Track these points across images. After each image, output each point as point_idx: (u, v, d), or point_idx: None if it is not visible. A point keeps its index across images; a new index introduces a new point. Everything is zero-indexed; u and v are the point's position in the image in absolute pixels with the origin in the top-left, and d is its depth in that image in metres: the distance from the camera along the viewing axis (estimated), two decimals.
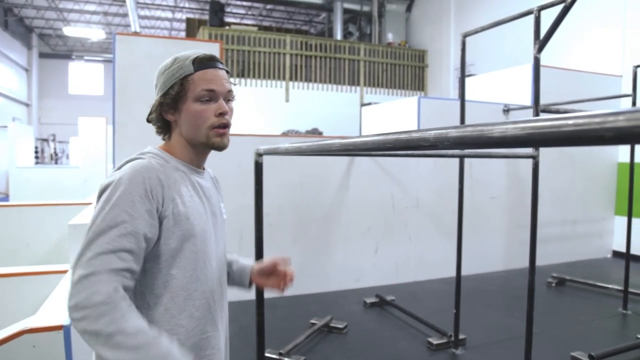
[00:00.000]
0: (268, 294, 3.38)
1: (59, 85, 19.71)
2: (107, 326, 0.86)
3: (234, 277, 1.38)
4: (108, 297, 0.88)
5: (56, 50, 19.42)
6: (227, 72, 1.19)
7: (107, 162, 7.56)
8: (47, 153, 15.50)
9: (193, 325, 1.11)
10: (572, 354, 3.02)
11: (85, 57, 19.68)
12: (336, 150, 1.14)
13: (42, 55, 18.97)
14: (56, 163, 14.79)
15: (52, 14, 15.82)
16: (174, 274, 1.08)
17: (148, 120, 1.22)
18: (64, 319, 1.81)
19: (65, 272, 2.60)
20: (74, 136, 9.87)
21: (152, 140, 4.26)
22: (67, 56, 19.59)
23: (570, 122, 0.52)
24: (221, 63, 1.18)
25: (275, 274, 1.36)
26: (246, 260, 1.42)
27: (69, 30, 15.10)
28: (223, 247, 1.27)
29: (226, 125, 1.16)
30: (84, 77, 20.17)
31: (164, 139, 1.22)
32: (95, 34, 15.41)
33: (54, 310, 1.92)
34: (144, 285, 1.07)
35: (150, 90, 4.26)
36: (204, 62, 1.14)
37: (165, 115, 1.17)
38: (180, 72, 1.12)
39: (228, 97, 1.17)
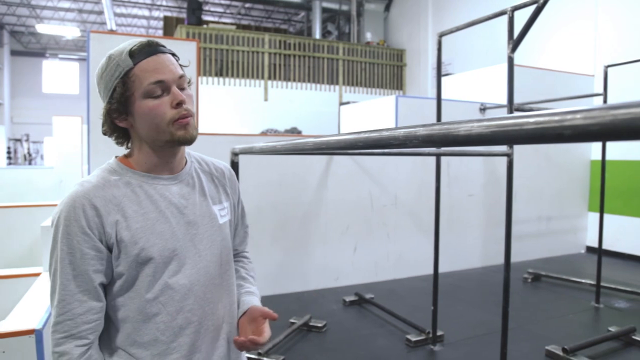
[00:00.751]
0: None
1: (33, 83, 19.26)
2: None
3: None
4: None
5: (29, 48, 18.97)
6: (174, 55, 1.05)
7: (83, 162, 7.42)
8: (20, 153, 15.14)
9: (160, 349, 1.01)
10: (546, 347, 3.08)
11: (60, 55, 19.26)
12: (309, 149, 1.14)
13: (14, 53, 18.51)
14: (30, 163, 14.46)
15: (24, 10, 15.45)
16: (128, 298, 1.01)
17: (103, 133, 1.06)
18: (35, 322, 1.77)
19: (38, 274, 2.54)
20: (48, 136, 9.66)
21: None
22: (40, 54, 19.16)
23: (531, 120, 0.53)
24: (163, 46, 1.02)
25: (255, 324, 1.15)
26: (251, 298, 1.22)
27: (42, 28, 14.76)
28: (213, 257, 1.10)
29: (187, 115, 1.01)
30: (58, 75, 19.75)
31: (127, 149, 1.09)
32: (70, 31, 15.10)
33: (26, 314, 1.88)
34: (109, 311, 1.03)
35: None
36: (142, 51, 0.98)
37: (118, 122, 1.03)
38: (119, 70, 0.98)
39: (181, 83, 1.02)
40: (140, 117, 1.00)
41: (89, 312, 0.97)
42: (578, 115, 0.48)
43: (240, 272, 1.28)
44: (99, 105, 3.66)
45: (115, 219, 0.97)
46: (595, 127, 0.46)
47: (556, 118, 0.50)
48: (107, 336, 1.04)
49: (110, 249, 0.98)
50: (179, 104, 0.99)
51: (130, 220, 0.99)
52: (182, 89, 1.02)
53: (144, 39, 1.01)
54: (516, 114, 0.56)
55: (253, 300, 1.19)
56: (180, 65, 1.05)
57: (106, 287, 1.02)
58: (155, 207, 1.02)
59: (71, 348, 0.95)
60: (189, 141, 1.02)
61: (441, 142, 0.66)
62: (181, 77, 1.02)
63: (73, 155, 7.65)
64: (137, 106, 0.99)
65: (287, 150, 1.31)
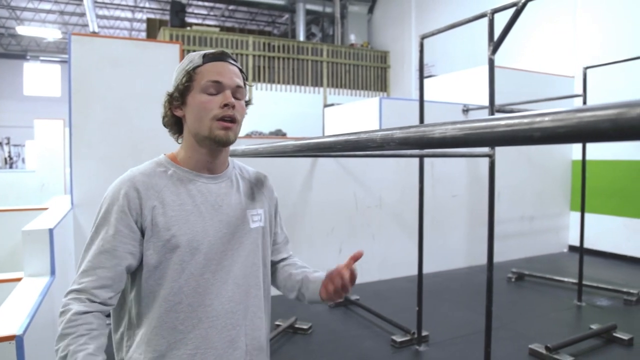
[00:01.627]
0: None
1: (13, 86, 18.94)
2: (61, 349, 0.98)
3: (306, 295, 1.26)
4: (70, 319, 0.98)
5: (9, 50, 18.65)
6: (241, 70, 1.16)
7: (65, 165, 7.32)
8: (1, 157, 14.88)
9: (177, 338, 1.06)
10: (530, 346, 3.12)
11: (41, 58, 18.97)
12: (291, 152, 1.15)
13: None
14: (11, 167, 14.22)
15: (4, 12, 15.20)
16: (153, 284, 1.07)
17: (164, 124, 1.20)
18: (16, 328, 1.74)
19: (19, 279, 2.50)
20: (29, 139, 9.51)
21: (112, 142, 4.16)
22: (21, 56, 18.84)
23: (502, 122, 0.54)
24: (234, 59, 1.16)
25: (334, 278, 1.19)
26: (318, 274, 1.28)
27: (22, 30, 14.54)
28: (239, 258, 1.14)
29: (232, 119, 1.09)
30: (40, 78, 19.46)
31: (178, 142, 1.21)
32: (51, 33, 14.89)
33: (6, 319, 1.85)
34: (133, 296, 1.10)
35: (109, 91, 4.16)
36: (214, 56, 1.12)
37: (174, 110, 1.15)
38: (190, 65, 1.12)
39: (237, 93, 1.12)
40: (191, 108, 1.10)
41: (105, 288, 1.03)
42: (546, 118, 0.49)
43: (297, 263, 1.35)
44: (81, 108, 3.62)
45: (153, 204, 1.06)
46: (563, 130, 0.48)
47: (526, 121, 0.51)
48: (129, 321, 1.11)
49: (143, 233, 1.06)
50: (227, 105, 1.08)
51: (167, 208, 1.07)
52: (236, 98, 1.11)
53: (220, 49, 1.15)
54: (488, 116, 0.57)
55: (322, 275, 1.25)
56: (245, 81, 1.16)
57: (136, 273, 1.09)
58: (192, 201, 1.09)
59: (73, 304, 1.00)
60: (224, 143, 1.10)
61: (417, 144, 0.67)
62: (238, 87, 1.12)
63: (55, 158, 7.55)
64: (192, 97, 1.10)
65: (269, 152, 1.32)
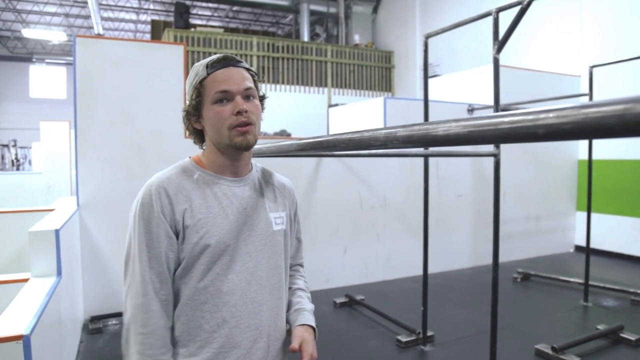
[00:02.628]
0: None
1: (20, 88, 19.06)
2: None
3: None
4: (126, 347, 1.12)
5: (15, 53, 18.77)
6: (248, 69, 1.16)
7: (71, 167, 7.35)
8: (7, 159, 14.95)
9: (203, 337, 1.10)
10: (536, 346, 3.10)
11: (47, 60, 19.08)
12: (295, 151, 1.15)
13: (0, 58, 18.32)
14: (18, 169, 14.29)
15: (9, 15, 15.29)
16: (182, 284, 1.11)
17: (187, 135, 1.22)
18: (23, 328, 1.75)
19: (26, 280, 2.52)
20: (36, 141, 9.57)
21: (117, 143, 4.19)
22: (27, 59, 18.96)
23: (506, 119, 0.54)
24: (238, 61, 1.15)
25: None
26: (305, 308, 1.29)
27: (28, 32, 14.62)
28: (263, 259, 1.16)
29: (247, 123, 1.10)
30: (45, 80, 19.56)
31: (202, 149, 1.23)
32: (56, 36, 14.96)
33: (14, 319, 1.86)
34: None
35: (114, 93, 4.18)
36: (217, 64, 1.12)
37: (194, 124, 1.17)
38: (197, 78, 1.13)
39: (247, 94, 1.12)
40: (208, 121, 1.12)
41: (156, 293, 1.08)
42: (551, 115, 0.49)
43: (298, 283, 1.35)
44: (87, 110, 3.64)
45: (184, 207, 1.09)
46: (568, 126, 0.47)
47: (530, 117, 0.51)
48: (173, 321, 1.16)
49: (177, 235, 1.09)
50: (239, 113, 1.08)
51: (195, 211, 1.09)
52: (248, 99, 1.12)
53: (221, 54, 1.14)
54: (492, 114, 0.57)
55: (300, 319, 1.24)
56: (254, 78, 1.17)
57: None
58: (218, 203, 1.12)
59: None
60: (245, 147, 1.11)
61: (420, 142, 0.67)
62: (248, 89, 1.11)
63: (61, 160, 7.59)
64: (206, 110, 1.12)
65: (273, 152, 1.32)
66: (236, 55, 8.02)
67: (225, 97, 1.10)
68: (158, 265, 1.08)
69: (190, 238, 1.08)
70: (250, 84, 1.13)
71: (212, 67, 1.12)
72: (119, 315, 3.79)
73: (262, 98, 1.19)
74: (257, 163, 1.27)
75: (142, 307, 1.07)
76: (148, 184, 1.12)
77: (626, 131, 0.42)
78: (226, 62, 1.12)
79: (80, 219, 3.76)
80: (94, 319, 3.68)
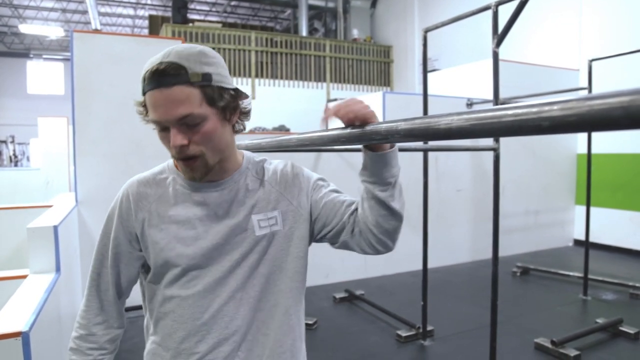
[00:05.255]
0: None
1: (17, 84, 18.99)
2: None
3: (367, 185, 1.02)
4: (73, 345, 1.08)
5: (12, 49, 18.69)
6: (190, 82, 0.87)
7: (69, 163, 7.33)
8: (5, 155, 14.92)
9: (175, 350, 1.02)
10: (535, 340, 3.11)
11: (44, 56, 19.01)
12: (294, 146, 1.14)
13: None
14: (16, 165, 14.26)
15: (6, 10, 15.21)
16: (151, 289, 1.05)
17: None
18: (22, 325, 1.75)
19: (24, 277, 2.51)
20: (34, 137, 9.54)
21: (115, 139, 4.17)
22: (24, 55, 18.88)
23: (510, 112, 0.53)
24: (172, 78, 0.87)
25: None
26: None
27: (25, 28, 14.54)
28: (247, 270, 1.02)
29: (189, 158, 0.92)
30: (43, 76, 19.50)
31: None
32: (54, 31, 14.89)
33: (12, 316, 1.86)
34: (145, 300, 1.10)
35: (112, 88, 4.15)
36: (149, 80, 0.89)
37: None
38: (142, 86, 0.93)
39: (185, 122, 0.89)
40: None
41: (107, 284, 1.07)
42: (555, 107, 0.48)
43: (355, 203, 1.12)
44: (85, 106, 3.62)
45: (143, 216, 1.00)
46: (573, 118, 0.46)
47: (534, 110, 0.50)
48: (146, 323, 1.11)
49: (138, 242, 1.02)
50: (174, 147, 0.90)
51: (158, 220, 0.99)
52: (189, 127, 0.90)
53: (155, 62, 0.89)
54: (494, 106, 0.56)
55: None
56: (208, 84, 0.89)
57: (144, 276, 1.09)
58: (185, 212, 1.00)
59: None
60: (197, 180, 0.98)
61: (422, 135, 0.66)
62: (183, 117, 0.88)
63: (59, 156, 7.57)
64: None
65: (272, 147, 1.31)
66: (234, 50, 7.90)
67: (159, 125, 0.91)
68: (103, 266, 1.05)
69: (151, 249, 1.00)
70: (187, 110, 0.87)
71: (147, 83, 0.90)
72: None
73: (234, 97, 0.95)
74: (253, 156, 1.12)
75: (85, 300, 1.07)
76: (123, 186, 1.07)
77: (632, 123, 0.42)
78: (155, 82, 0.88)
79: (79, 215, 3.76)
80: None
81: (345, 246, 1.09)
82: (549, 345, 3.01)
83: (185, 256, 0.98)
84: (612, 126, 0.44)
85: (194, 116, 0.88)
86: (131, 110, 3.81)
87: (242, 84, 9.28)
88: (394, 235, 1.05)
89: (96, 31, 10.61)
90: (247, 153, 1.11)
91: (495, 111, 0.55)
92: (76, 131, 3.76)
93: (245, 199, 1.03)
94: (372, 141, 0.79)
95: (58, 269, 2.56)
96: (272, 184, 1.07)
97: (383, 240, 1.03)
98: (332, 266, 4.61)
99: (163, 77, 0.86)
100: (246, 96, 0.99)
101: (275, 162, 1.13)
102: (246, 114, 1.00)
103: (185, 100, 0.87)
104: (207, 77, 0.88)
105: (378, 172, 0.95)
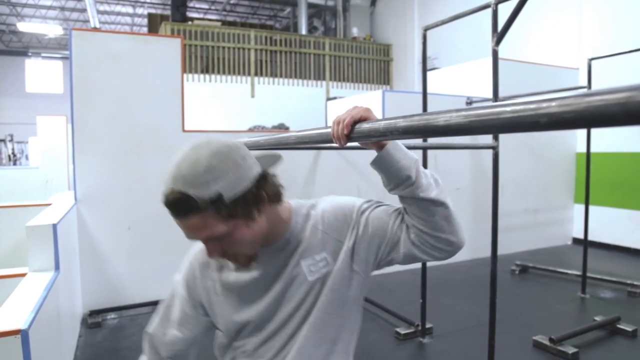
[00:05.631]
0: None
1: (15, 83, 18.96)
2: None
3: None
4: None
5: (10, 47, 18.66)
6: (198, 209, 0.87)
7: (69, 161, 7.33)
8: (4, 154, 14.89)
9: None
10: (533, 337, 3.12)
11: (43, 54, 18.98)
12: (293, 143, 1.14)
13: None
14: (15, 164, 14.25)
15: (4, 8, 15.19)
16: (216, 340, 1.18)
17: None
18: (21, 322, 1.75)
19: (23, 275, 2.51)
20: (32, 136, 9.53)
21: (114, 137, 4.17)
22: (22, 53, 18.84)
23: (508, 109, 0.53)
24: (182, 207, 0.88)
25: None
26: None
27: (23, 26, 14.52)
28: (310, 317, 1.04)
29: (225, 258, 1.00)
30: (42, 74, 19.47)
31: None
32: (52, 29, 14.87)
33: (11, 314, 1.86)
34: None
35: (111, 87, 4.14)
36: (166, 208, 0.91)
37: None
38: None
39: (213, 239, 0.93)
40: None
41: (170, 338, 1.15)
42: (553, 103, 0.48)
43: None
44: (84, 104, 3.62)
45: (208, 284, 1.11)
46: (570, 115, 0.47)
47: (532, 106, 0.50)
48: None
49: (203, 307, 1.14)
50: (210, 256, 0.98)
51: (221, 287, 1.09)
52: (217, 240, 0.94)
53: (166, 189, 0.89)
54: (493, 103, 0.56)
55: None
56: (221, 210, 0.89)
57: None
58: (245, 276, 1.06)
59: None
60: (242, 268, 1.06)
61: (421, 132, 0.66)
62: (207, 239, 0.92)
63: (58, 155, 7.57)
64: None
65: (271, 145, 1.31)
66: (234, 48, 7.90)
67: None
68: (163, 327, 1.15)
69: (218, 315, 1.11)
70: (207, 234, 0.91)
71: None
72: (117, 309, 3.79)
73: (255, 193, 0.93)
74: (301, 207, 1.12)
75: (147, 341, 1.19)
76: (190, 254, 1.16)
77: (630, 119, 0.42)
78: (170, 211, 0.90)
79: (78, 214, 3.76)
80: (93, 313, 3.68)
81: (413, 258, 1.04)
82: (547, 342, 3.02)
83: (249, 316, 1.05)
84: (610, 122, 0.44)
85: (215, 236, 0.91)
86: (130, 108, 3.83)
87: (241, 82, 9.28)
88: (448, 227, 1.00)
89: (95, 29, 10.60)
90: (294, 206, 1.11)
91: (493, 108, 0.55)
92: (75, 129, 3.75)
93: (294, 249, 1.05)
94: (370, 139, 0.80)
95: (57, 267, 2.56)
96: (317, 226, 1.07)
97: (439, 236, 1.00)
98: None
99: (175, 208, 0.88)
100: (274, 163, 1.02)
101: (322, 204, 1.13)
102: (277, 193, 1.01)
103: (202, 226, 0.89)
104: (216, 199, 0.87)
105: (388, 173, 0.98)
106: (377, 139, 0.79)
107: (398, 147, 0.95)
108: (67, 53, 3.69)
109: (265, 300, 1.04)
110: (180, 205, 0.87)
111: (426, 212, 0.97)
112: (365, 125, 0.80)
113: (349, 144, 0.90)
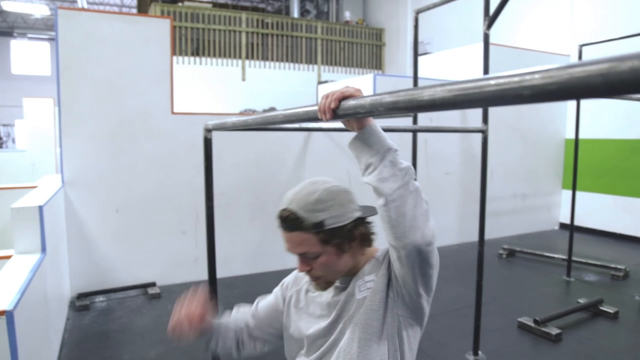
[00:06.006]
0: (221, 273, 3.37)
1: (1, 64, 18.62)
2: None
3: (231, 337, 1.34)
4: None
5: None
6: (301, 228, 1.06)
7: (56, 144, 7.24)
8: None
9: None
10: (518, 319, 3.17)
11: (29, 35, 18.62)
12: (280, 122, 1.13)
13: None
14: (1, 147, 14.08)
15: None
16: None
17: None
18: (6, 304, 1.74)
19: (9, 257, 2.49)
20: (19, 118, 9.39)
21: (102, 120, 4.11)
22: (8, 33, 18.46)
23: (492, 82, 0.53)
24: (291, 223, 1.08)
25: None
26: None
27: (8, 5, 14.21)
28: (355, 335, 1.09)
29: (313, 278, 1.16)
30: (28, 56, 19.12)
31: None
32: (38, 9, 14.57)
33: None
34: None
35: (99, 68, 4.08)
36: (278, 221, 1.12)
37: None
38: None
39: (307, 256, 1.10)
40: None
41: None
42: (537, 76, 0.48)
43: None
44: (70, 86, 3.56)
45: (291, 294, 1.29)
46: (553, 86, 0.46)
47: (516, 79, 0.50)
48: None
49: (282, 309, 1.31)
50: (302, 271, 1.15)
51: (302, 299, 1.26)
52: (310, 258, 1.11)
53: (282, 207, 1.10)
54: (477, 77, 0.56)
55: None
56: (320, 234, 1.07)
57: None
58: (321, 297, 1.20)
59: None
60: (322, 290, 1.19)
61: (406, 108, 0.66)
62: (302, 254, 1.11)
63: (45, 137, 7.47)
64: None
65: (259, 124, 1.30)
66: (225, 31, 7.77)
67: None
68: (256, 307, 1.36)
69: (292, 321, 1.25)
70: (304, 250, 1.09)
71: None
72: (105, 292, 3.79)
73: (350, 230, 1.10)
74: (383, 253, 1.17)
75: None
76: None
77: (611, 90, 0.42)
78: (280, 225, 1.11)
79: (66, 196, 3.73)
80: (81, 296, 3.67)
81: (411, 270, 1.03)
82: (531, 324, 3.07)
83: (313, 331, 1.18)
84: (592, 94, 0.44)
85: (309, 254, 1.10)
86: (118, 90, 3.78)
87: (232, 65, 9.19)
88: (398, 227, 0.96)
89: (82, 9, 10.39)
90: (380, 252, 1.20)
91: (477, 81, 0.55)
92: (62, 111, 3.70)
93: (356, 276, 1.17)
94: (357, 115, 0.79)
95: (44, 249, 2.55)
96: (376, 254, 1.20)
97: (393, 234, 0.98)
98: None
99: (285, 222, 1.09)
100: (371, 214, 1.16)
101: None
102: (367, 236, 1.16)
103: (302, 242, 1.09)
104: (319, 225, 1.06)
105: (358, 157, 0.99)
106: (363, 115, 0.78)
107: (374, 132, 0.94)
108: (54, 34, 3.62)
109: (330, 317, 1.15)
110: (290, 221, 1.08)
111: (381, 208, 0.99)
112: (351, 102, 0.80)
113: (337, 126, 0.90)
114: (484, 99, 0.54)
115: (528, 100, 0.50)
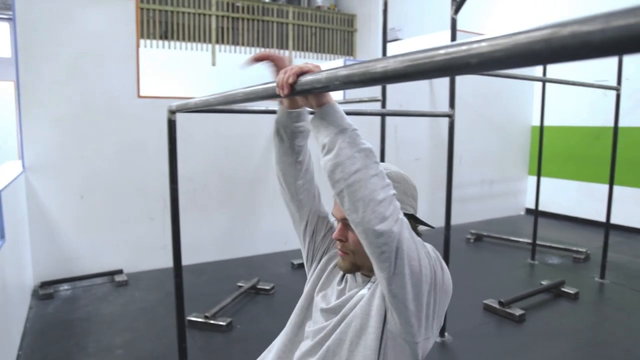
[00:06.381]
0: (190, 260, 3.32)
1: None
2: None
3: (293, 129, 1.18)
4: None
5: None
6: None
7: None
8: None
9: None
10: (484, 301, 3.24)
11: None
12: (241, 100, 1.12)
13: None
14: None
15: None
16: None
17: None
18: None
19: None
20: None
21: (64, 103, 3.97)
22: None
23: (441, 52, 0.53)
24: None
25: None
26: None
27: None
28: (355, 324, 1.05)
29: (342, 251, 1.09)
30: None
31: None
32: None
33: None
34: None
35: (60, 48, 3.94)
36: None
37: None
38: None
39: (347, 222, 1.02)
40: None
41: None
42: (484, 44, 0.48)
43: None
44: (30, 67, 3.42)
45: (325, 255, 1.26)
46: (500, 54, 0.46)
47: (464, 48, 0.50)
48: None
49: (314, 243, 1.29)
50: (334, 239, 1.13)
51: (326, 266, 1.24)
52: (349, 227, 1.06)
53: None
54: (429, 47, 0.56)
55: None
56: None
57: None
58: (335, 276, 1.21)
59: None
60: (344, 271, 1.13)
61: (361, 81, 0.65)
62: (343, 218, 1.07)
63: (7, 123, 7.22)
64: None
65: (220, 103, 1.28)
66: (194, 14, 7.57)
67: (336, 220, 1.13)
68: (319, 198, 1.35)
69: (313, 267, 1.28)
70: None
71: None
72: (70, 280, 3.70)
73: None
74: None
75: None
76: None
77: (552, 55, 0.42)
78: None
79: (27, 182, 3.61)
80: (45, 284, 3.58)
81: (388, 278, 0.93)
82: (496, 305, 3.15)
83: (308, 299, 1.25)
84: (536, 60, 0.44)
85: (347, 223, 1.04)
86: (81, 71, 3.67)
87: (201, 49, 9.02)
88: (357, 212, 0.87)
89: None
90: None
91: (427, 52, 0.55)
92: (21, 94, 3.57)
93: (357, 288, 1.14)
94: (314, 90, 0.78)
95: (2, 236, 2.47)
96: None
97: (352, 220, 0.89)
98: (290, 233, 4.60)
99: None
100: (427, 225, 1.16)
101: None
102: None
103: None
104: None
105: (316, 137, 0.93)
106: (320, 90, 0.77)
107: (332, 110, 0.89)
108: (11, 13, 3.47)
109: (336, 316, 1.10)
110: None
111: (345, 191, 0.88)
112: (308, 77, 0.79)
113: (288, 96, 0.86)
114: (434, 69, 0.54)
115: (475, 68, 0.50)
